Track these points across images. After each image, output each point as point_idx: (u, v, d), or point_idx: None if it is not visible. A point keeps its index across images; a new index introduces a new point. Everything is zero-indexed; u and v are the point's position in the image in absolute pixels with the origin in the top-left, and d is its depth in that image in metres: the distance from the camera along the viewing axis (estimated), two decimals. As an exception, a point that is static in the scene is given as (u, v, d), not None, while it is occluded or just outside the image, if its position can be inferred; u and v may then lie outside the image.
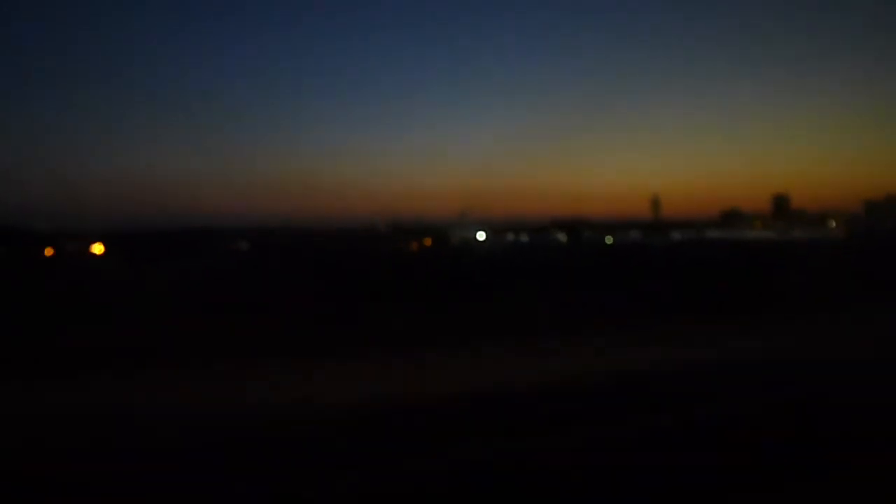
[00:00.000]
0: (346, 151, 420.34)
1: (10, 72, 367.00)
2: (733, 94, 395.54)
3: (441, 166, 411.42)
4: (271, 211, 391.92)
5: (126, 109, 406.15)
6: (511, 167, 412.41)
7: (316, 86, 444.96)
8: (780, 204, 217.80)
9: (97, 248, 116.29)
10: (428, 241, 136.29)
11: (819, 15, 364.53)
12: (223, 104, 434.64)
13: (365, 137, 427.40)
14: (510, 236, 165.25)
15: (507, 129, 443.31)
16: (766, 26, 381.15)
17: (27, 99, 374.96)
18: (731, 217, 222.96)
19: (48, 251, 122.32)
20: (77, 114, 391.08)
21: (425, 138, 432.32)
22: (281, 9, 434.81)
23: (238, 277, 54.77)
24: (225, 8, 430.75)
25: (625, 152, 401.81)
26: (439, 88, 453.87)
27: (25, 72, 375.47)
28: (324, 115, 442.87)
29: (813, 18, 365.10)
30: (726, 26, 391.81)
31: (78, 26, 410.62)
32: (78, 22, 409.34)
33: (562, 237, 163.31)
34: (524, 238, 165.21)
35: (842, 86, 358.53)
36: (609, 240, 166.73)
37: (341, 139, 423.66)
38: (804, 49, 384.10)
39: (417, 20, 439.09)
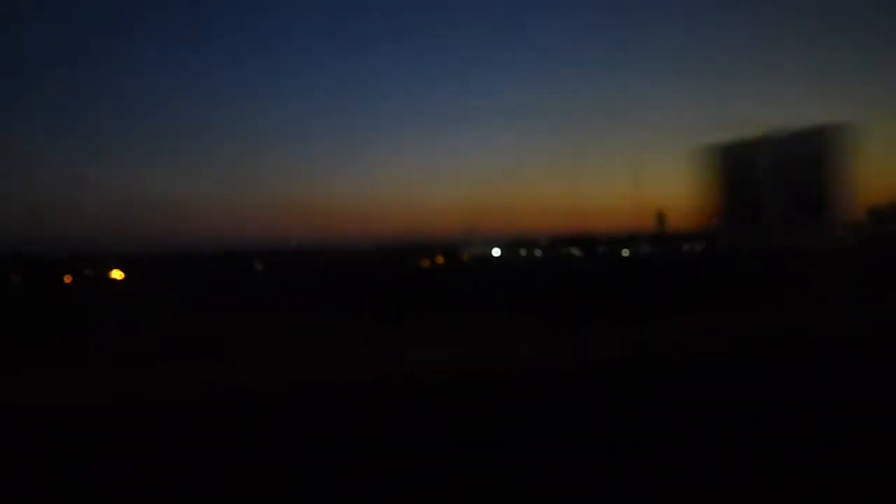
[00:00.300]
0: (351, 173, 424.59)
1: (24, 101, 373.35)
2: (734, 103, 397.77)
3: (446, 185, 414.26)
4: (278, 233, 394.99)
5: (139, 136, 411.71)
6: (513, 184, 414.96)
7: (320, 111, 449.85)
8: None
9: (117, 274, 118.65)
10: (440, 259, 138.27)
11: (821, 23, 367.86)
12: (233, 129, 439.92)
13: (370, 159, 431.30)
14: (523, 252, 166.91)
15: (508, 147, 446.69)
16: (767, 34, 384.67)
17: (37, 126, 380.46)
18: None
19: (67, 278, 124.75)
20: (90, 141, 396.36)
21: (430, 158, 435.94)
22: (293, 38, 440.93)
23: (258, 298, 56.57)
24: (240, 36, 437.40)
25: (628, 167, 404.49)
26: (444, 107, 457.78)
27: (36, 98, 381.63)
28: (328, 139, 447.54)
29: (815, 27, 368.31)
30: (729, 35, 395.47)
31: (91, 53, 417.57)
32: (91, 49, 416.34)
33: (576, 251, 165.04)
34: (538, 253, 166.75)
35: (844, 93, 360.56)
36: (625, 252, 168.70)
37: (346, 161, 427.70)
38: (807, 57, 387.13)
39: (423, 42, 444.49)
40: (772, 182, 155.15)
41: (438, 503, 6.24)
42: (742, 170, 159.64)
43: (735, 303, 26.06)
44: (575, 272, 74.26)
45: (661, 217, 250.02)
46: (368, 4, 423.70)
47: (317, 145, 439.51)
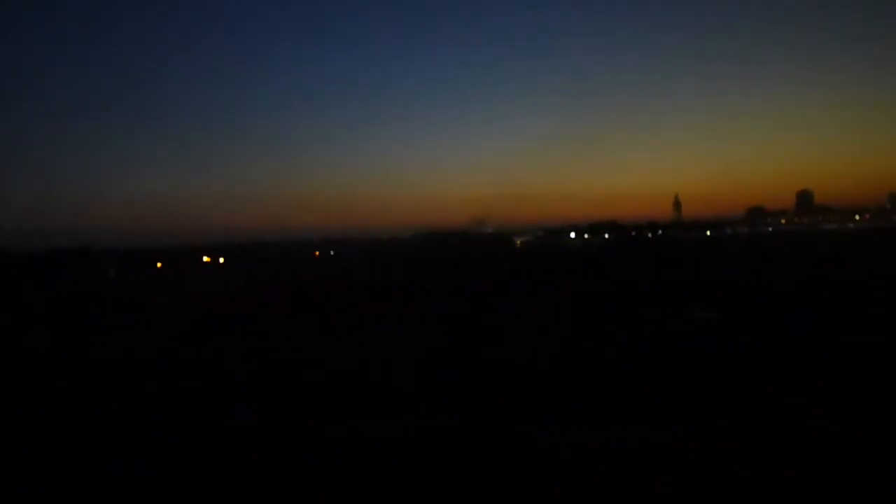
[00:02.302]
0: (366, 165, 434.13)
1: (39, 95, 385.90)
2: (754, 92, 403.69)
3: (465, 175, 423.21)
4: (304, 226, 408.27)
5: (150, 133, 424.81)
6: (531, 173, 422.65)
7: (335, 103, 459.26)
8: (805, 199, 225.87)
9: (217, 261, 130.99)
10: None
11: (842, 10, 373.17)
12: (245, 123, 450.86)
13: (389, 151, 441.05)
14: (586, 236, 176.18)
15: (527, 136, 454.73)
16: (786, 23, 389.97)
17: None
18: (756, 214, 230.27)
19: (159, 265, 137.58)
20: (112, 136, 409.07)
21: (447, 149, 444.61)
22: (310, 30, 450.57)
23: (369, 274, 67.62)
24: (258, 26, 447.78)
25: (646, 154, 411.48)
26: (460, 98, 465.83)
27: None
28: (343, 131, 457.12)
29: (835, 14, 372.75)
30: (746, 24, 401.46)
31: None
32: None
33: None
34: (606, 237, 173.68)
35: (865, 79, 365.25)
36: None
37: (361, 153, 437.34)
38: (826, 44, 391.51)
39: (440, 29, 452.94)
40: None
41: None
42: None
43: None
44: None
45: (677, 204, 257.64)
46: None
47: (331, 138, 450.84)
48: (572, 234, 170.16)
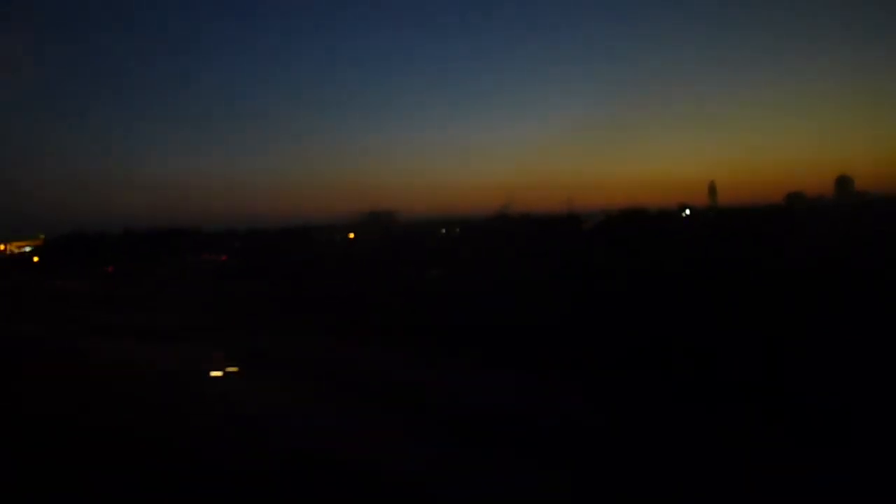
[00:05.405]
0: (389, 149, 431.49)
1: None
2: (791, 75, 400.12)
3: (490, 160, 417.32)
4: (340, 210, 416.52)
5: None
6: (560, 159, 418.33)
7: (352, 81, 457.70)
8: (844, 186, 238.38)
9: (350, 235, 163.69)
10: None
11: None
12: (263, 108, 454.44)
13: (411, 132, 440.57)
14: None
15: (555, 122, 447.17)
16: (824, 7, 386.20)
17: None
18: (794, 201, 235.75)
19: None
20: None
21: (471, 132, 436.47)
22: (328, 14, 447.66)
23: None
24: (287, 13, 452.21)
25: (681, 139, 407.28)
26: (485, 79, 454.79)
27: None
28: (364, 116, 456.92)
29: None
30: (783, 9, 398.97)
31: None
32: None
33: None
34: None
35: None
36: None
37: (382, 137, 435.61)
38: (863, 27, 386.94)
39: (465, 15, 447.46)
40: None
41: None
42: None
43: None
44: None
45: (712, 190, 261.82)
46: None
47: (354, 121, 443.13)
48: (687, 212, 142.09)
